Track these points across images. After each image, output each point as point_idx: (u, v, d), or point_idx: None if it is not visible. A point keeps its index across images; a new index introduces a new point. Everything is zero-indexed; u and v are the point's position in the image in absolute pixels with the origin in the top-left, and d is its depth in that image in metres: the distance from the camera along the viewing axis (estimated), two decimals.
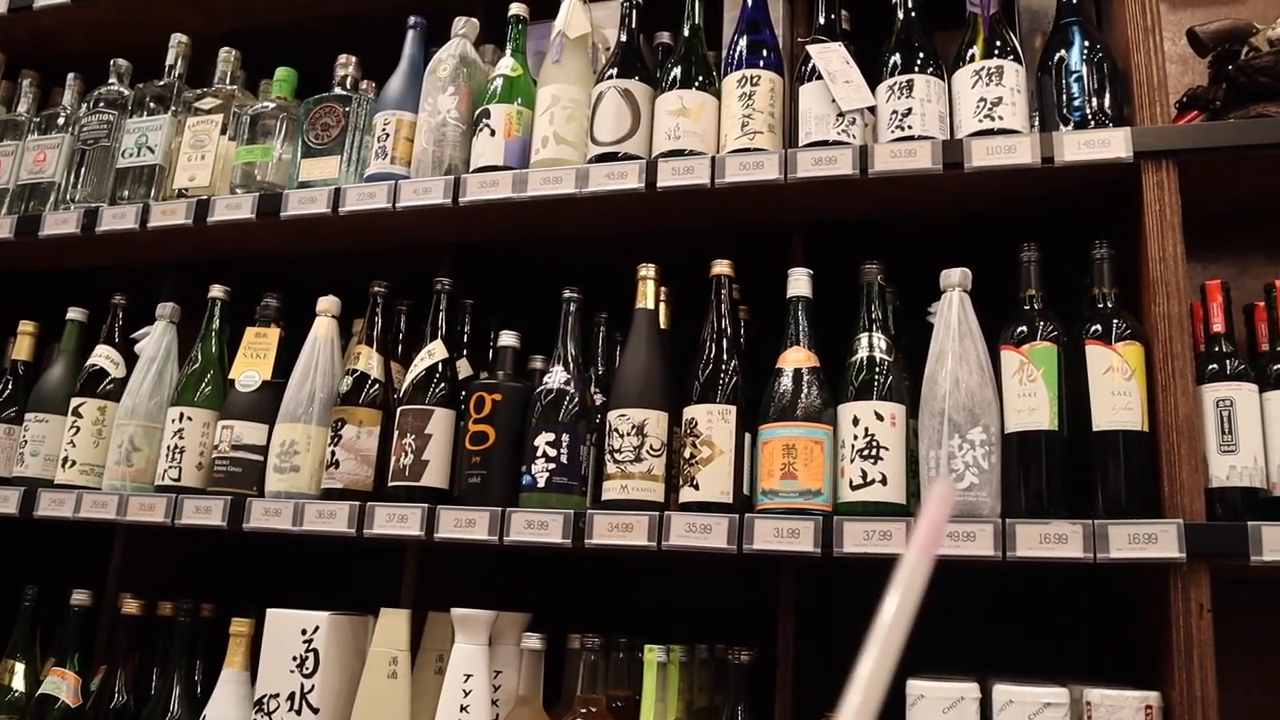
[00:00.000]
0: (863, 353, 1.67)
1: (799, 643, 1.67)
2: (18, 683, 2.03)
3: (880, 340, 1.67)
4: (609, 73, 1.90)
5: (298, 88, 2.23)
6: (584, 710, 1.62)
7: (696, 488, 1.62)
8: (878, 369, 1.64)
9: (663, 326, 1.84)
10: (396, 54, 2.14)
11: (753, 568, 1.77)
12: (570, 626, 1.77)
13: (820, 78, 1.77)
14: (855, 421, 1.61)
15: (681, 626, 1.84)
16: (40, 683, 1.98)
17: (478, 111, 1.95)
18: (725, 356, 1.71)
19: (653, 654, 1.61)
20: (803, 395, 1.64)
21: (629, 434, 1.66)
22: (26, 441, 2.15)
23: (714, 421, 1.65)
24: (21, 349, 2.32)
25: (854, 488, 1.58)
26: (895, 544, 1.51)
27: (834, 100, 1.75)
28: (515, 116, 1.92)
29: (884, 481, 1.57)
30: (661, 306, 1.83)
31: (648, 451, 1.66)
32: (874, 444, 1.59)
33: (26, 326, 2.34)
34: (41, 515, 2.05)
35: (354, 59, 2.15)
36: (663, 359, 1.74)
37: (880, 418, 1.60)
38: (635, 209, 1.86)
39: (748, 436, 1.67)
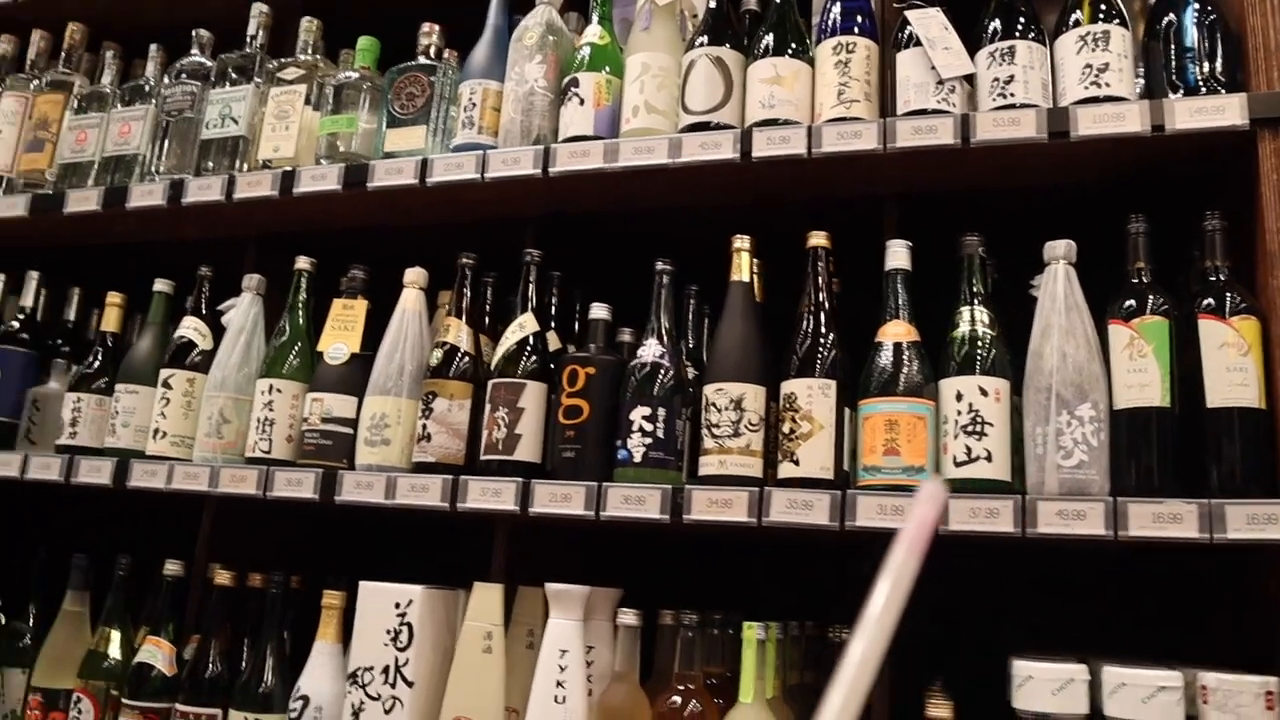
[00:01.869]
0: (965, 327, 1.63)
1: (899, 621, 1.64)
2: (114, 650, 2.06)
3: (983, 314, 1.63)
4: (699, 40, 1.87)
5: (377, 61, 2.21)
6: (681, 687, 1.61)
7: (797, 463, 1.60)
8: (980, 343, 1.60)
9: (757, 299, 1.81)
10: (471, 24, 2.12)
11: (846, 545, 1.74)
12: (659, 602, 1.77)
13: (919, 44, 1.73)
14: (959, 397, 1.57)
15: (771, 603, 1.82)
16: (136, 651, 2.01)
17: (565, 80, 1.92)
18: (824, 330, 1.68)
19: (751, 631, 1.59)
20: (904, 370, 1.61)
21: (727, 408, 1.64)
22: (117, 413, 2.17)
23: (814, 396, 1.62)
24: (109, 320, 2.35)
25: (958, 464, 1.55)
26: (1002, 522, 1.48)
27: (933, 67, 1.71)
28: (604, 85, 1.89)
29: (989, 458, 1.54)
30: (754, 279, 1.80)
31: (746, 426, 1.64)
32: (978, 420, 1.55)
33: (114, 298, 2.36)
34: (134, 486, 2.07)
35: (437, 27, 2.13)
36: (760, 332, 1.71)
37: (984, 393, 1.56)
38: (727, 180, 1.83)
39: (847, 411, 1.64)
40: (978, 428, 1.55)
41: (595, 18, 1.98)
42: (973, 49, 1.73)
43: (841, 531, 1.54)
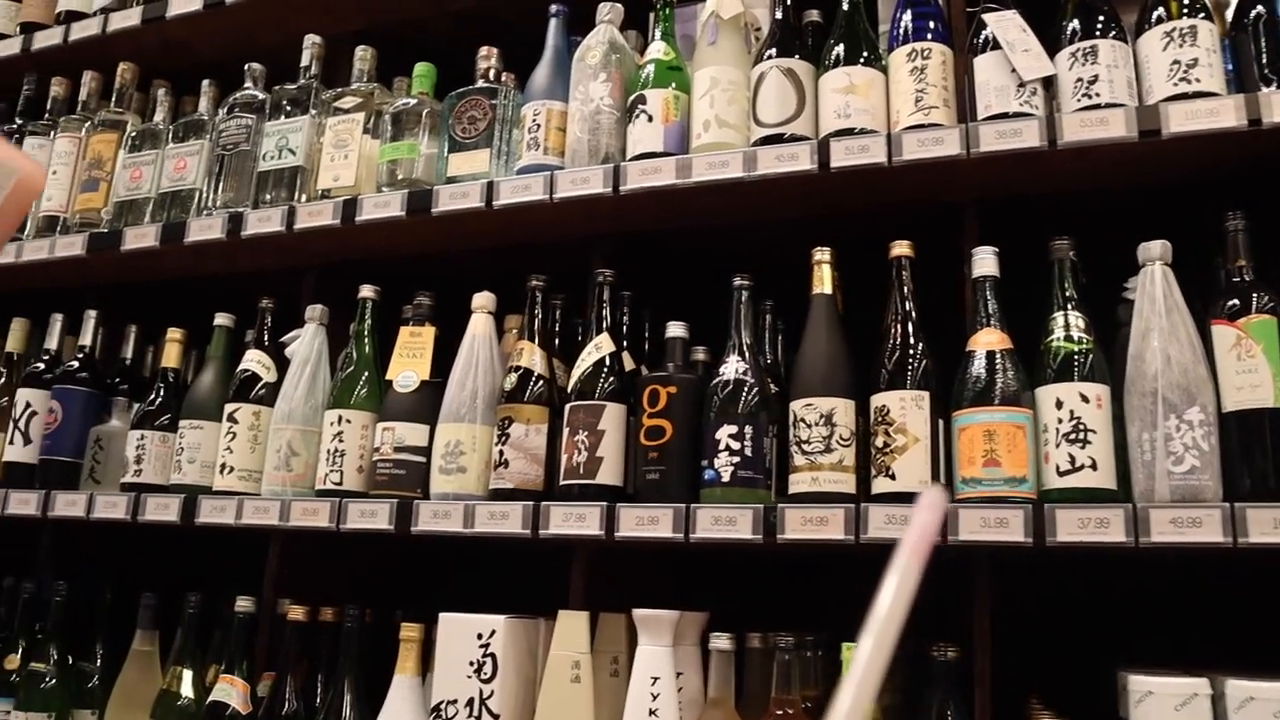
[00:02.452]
0: (1059, 332, 1.58)
1: (995, 636, 1.59)
2: (186, 690, 2.03)
3: (1077, 319, 1.59)
4: (767, 53, 1.84)
5: (434, 87, 2.20)
6: (780, 712, 1.56)
7: (893, 478, 1.56)
8: (1078, 349, 1.56)
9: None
10: (522, 48, 2.10)
11: (944, 560, 1.69)
12: (746, 625, 1.72)
13: (997, 47, 1.69)
14: (1058, 405, 1.53)
15: (864, 622, 1.76)
16: (209, 690, 1.98)
17: (632, 98, 1.90)
18: (913, 340, 1.64)
19: (851, 652, 1.54)
20: (999, 378, 1.56)
21: (817, 424, 1.60)
22: (182, 449, 2.15)
23: (907, 408, 1.58)
24: (170, 356, 2.33)
25: (1061, 473, 1.50)
26: (1113, 532, 1.43)
27: (1013, 70, 1.67)
28: (673, 101, 1.86)
29: (1094, 466, 1.49)
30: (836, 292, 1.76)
31: (838, 441, 1.60)
32: (1080, 427, 1.50)
33: (174, 334, 2.34)
34: (203, 522, 2.05)
35: (496, 50, 2.11)
36: (845, 346, 1.67)
37: (1085, 399, 1.52)
38: (802, 192, 1.80)
39: (940, 423, 1.60)
40: (1080, 435, 1.50)
41: (658, 34, 1.96)
42: (1051, 50, 1.70)
43: (944, 545, 1.49)
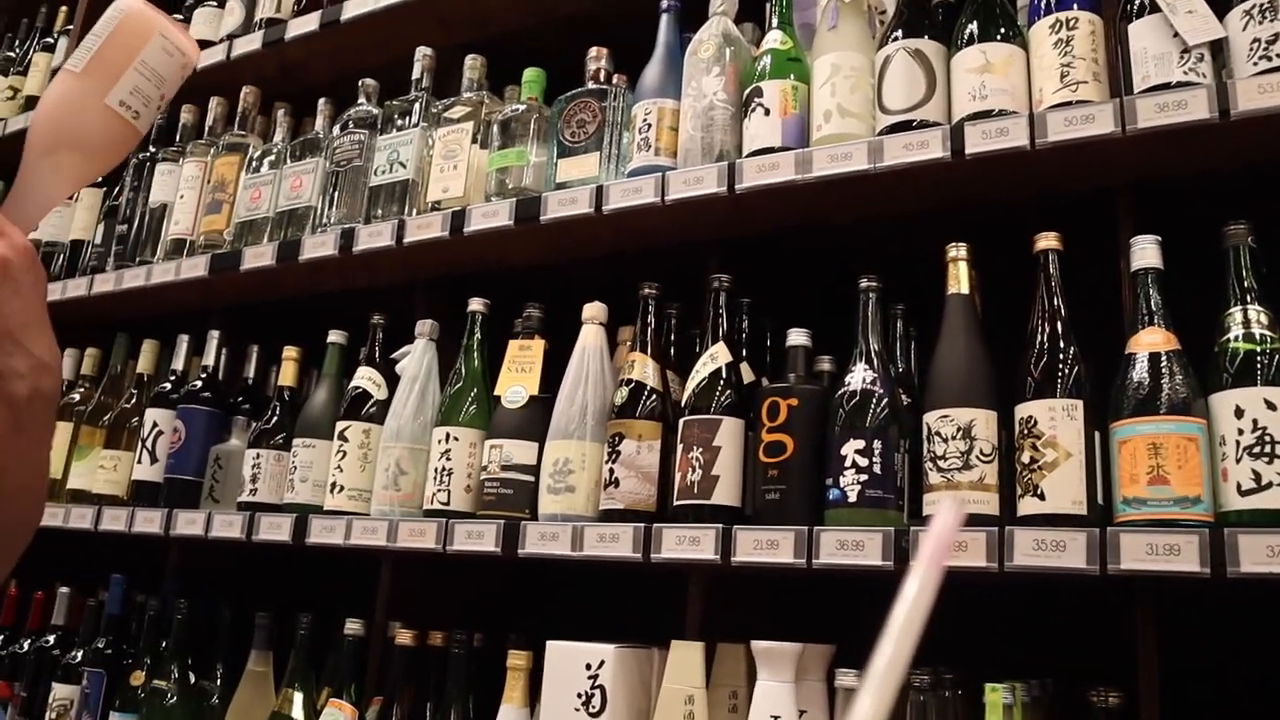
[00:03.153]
0: (1237, 330, 1.38)
1: (1164, 680, 1.39)
2: (297, 712, 1.99)
3: (1259, 314, 1.38)
4: (893, 34, 1.69)
5: (544, 92, 2.13)
6: None
7: (1042, 497, 1.38)
8: (1262, 348, 1.35)
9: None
10: (637, 48, 2.00)
11: (1102, 590, 1.50)
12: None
13: (1155, 10, 1.50)
14: (1238, 413, 1.32)
15: (1011, 659, 1.58)
16: (319, 713, 1.93)
17: (747, 91, 1.78)
18: (1063, 343, 1.46)
19: (996, 694, 1.37)
20: (1166, 384, 1.37)
21: (954, 438, 1.44)
22: (295, 468, 2.12)
23: (1058, 419, 1.40)
24: (286, 375, 2.32)
25: (1243, 493, 1.30)
26: None
27: (1176, 35, 1.48)
28: (791, 92, 1.73)
29: None
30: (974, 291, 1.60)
31: (978, 457, 1.43)
32: (1267, 439, 1.30)
33: (290, 352, 2.33)
34: (313, 543, 2.01)
35: (605, 51, 2.02)
36: (986, 350, 1.50)
37: (1272, 407, 1.31)
38: (934, 182, 1.64)
39: (1096, 435, 1.41)
40: (1267, 448, 1.29)
41: (775, 22, 1.83)
42: (1219, 10, 1.50)
43: (1102, 575, 1.31)
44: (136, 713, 2.20)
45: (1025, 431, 1.42)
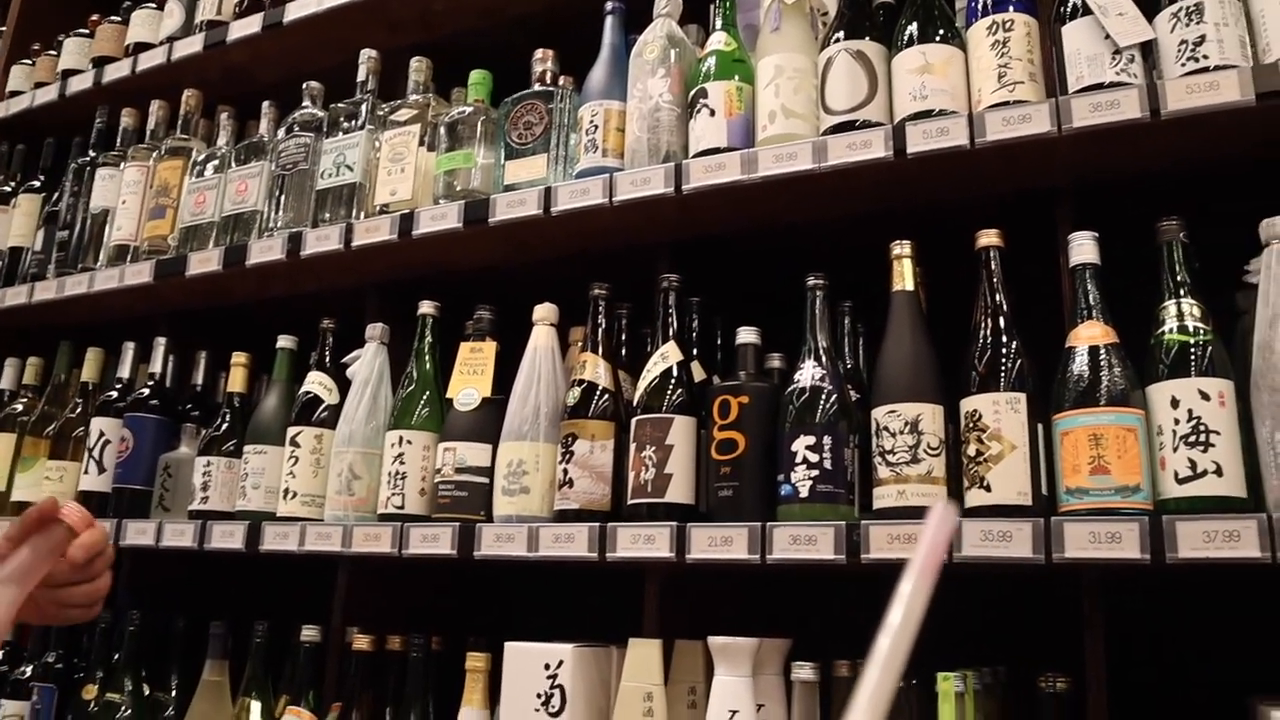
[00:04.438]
0: (1172, 323, 1.43)
1: (1110, 665, 1.43)
2: None
3: (1192, 307, 1.43)
4: (835, 36, 1.72)
5: (490, 94, 2.13)
6: None
7: (988, 489, 1.41)
8: (1194, 341, 1.40)
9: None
10: (583, 50, 2.01)
11: (1046, 578, 1.54)
12: (832, 652, 1.58)
13: (1088, 13, 1.54)
14: (1174, 403, 1.37)
15: (962, 648, 1.62)
16: None
17: (692, 93, 1.79)
18: (1006, 338, 1.49)
19: (948, 683, 1.40)
20: (1104, 376, 1.41)
21: (902, 432, 1.47)
22: (247, 475, 2.10)
23: (1002, 412, 1.43)
24: (236, 381, 2.30)
25: (1181, 481, 1.34)
26: (1245, 546, 1.26)
27: (1108, 36, 1.52)
28: (735, 93, 1.75)
29: (1219, 472, 1.32)
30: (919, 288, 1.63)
31: (925, 451, 1.46)
32: (1201, 428, 1.34)
33: (239, 358, 2.31)
34: (267, 550, 1.99)
35: (551, 52, 2.03)
36: (931, 346, 1.54)
37: (1206, 397, 1.35)
38: (878, 182, 1.67)
39: (1040, 428, 1.45)
40: (1202, 437, 1.34)
41: (719, 24, 1.85)
42: (1148, 13, 1.54)
43: (1048, 564, 1.34)
44: None
45: (970, 425, 1.45)
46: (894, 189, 1.70)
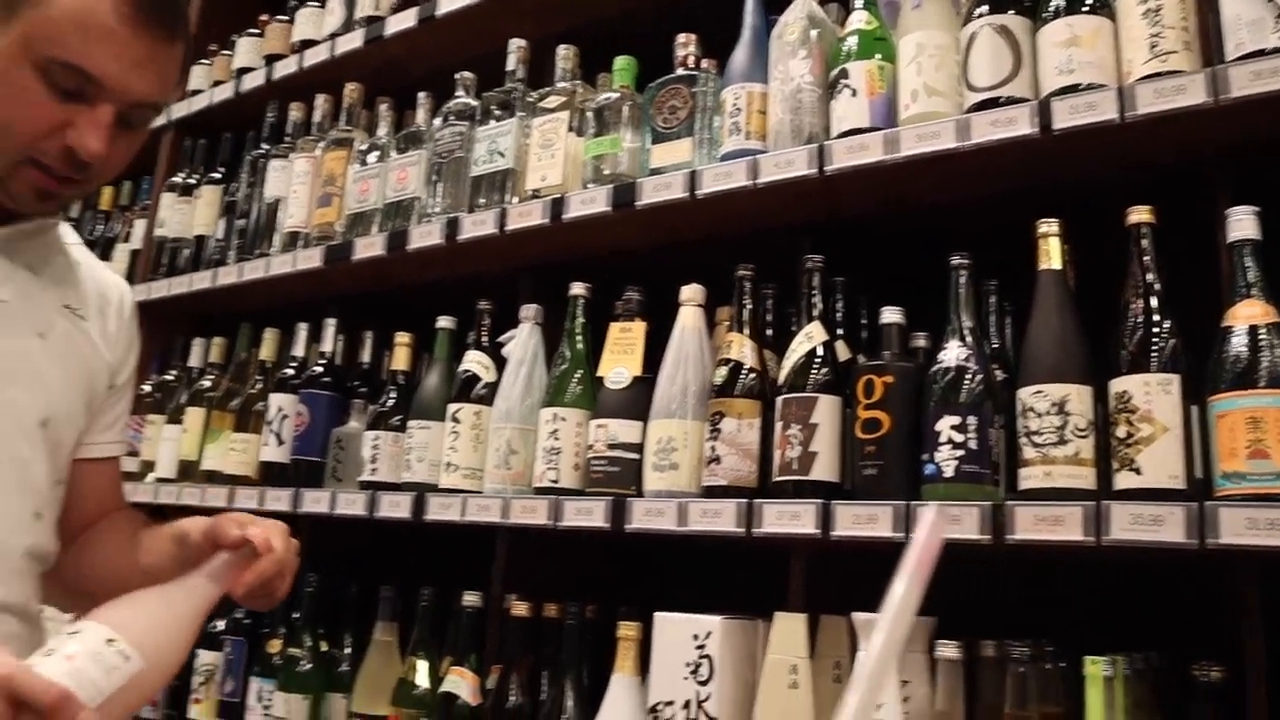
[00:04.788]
0: None
1: (1270, 653, 1.40)
2: (422, 679, 2.11)
3: None
4: (977, 11, 1.70)
5: (635, 79, 2.18)
6: None
7: (1138, 472, 1.40)
8: None
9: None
10: (724, 33, 2.04)
11: (1200, 565, 1.51)
12: (977, 632, 1.59)
13: None
14: None
15: (1110, 633, 1.60)
16: (441, 680, 2.05)
17: (833, 73, 1.80)
18: (1158, 317, 1.47)
19: (1096, 667, 1.40)
20: (1264, 357, 1.37)
21: (1048, 413, 1.46)
22: (411, 448, 2.24)
23: (1153, 394, 1.41)
24: (399, 359, 2.43)
25: None
26: None
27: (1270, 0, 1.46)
28: (876, 73, 1.76)
29: None
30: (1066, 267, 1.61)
31: (1072, 432, 1.45)
32: None
33: (402, 338, 2.44)
34: (431, 519, 2.12)
35: (694, 37, 2.06)
36: (1079, 326, 1.52)
37: None
38: (1023, 159, 1.65)
39: (1194, 410, 1.42)
40: None
41: (859, 2, 1.84)
42: None
43: (1201, 550, 1.33)
44: (274, 678, 2.35)
45: (1120, 406, 1.44)
46: (1039, 166, 1.67)
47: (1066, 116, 1.54)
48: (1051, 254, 1.58)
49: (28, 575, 1.39)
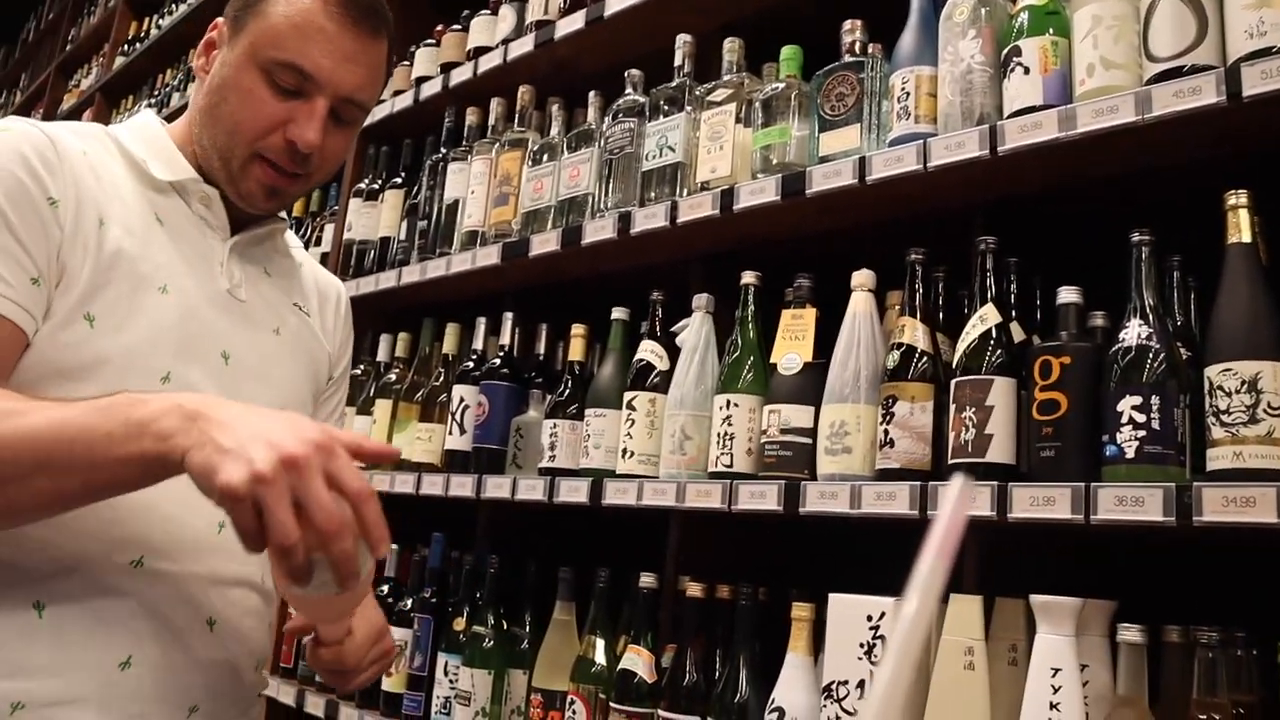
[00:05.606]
0: None
1: None
2: (599, 656, 2.19)
3: None
4: None
5: (801, 68, 2.20)
6: (1204, 716, 1.40)
7: None
8: None
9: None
10: (889, 17, 2.04)
11: None
12: (1159, 617, 1.55)
13: None
14: None
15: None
16: (618, 658, 2.13)
17: (1005, 51, 1.78)
18: None
19: None
20: None
21: (1238, 391, 1.42)
22: (589, 435, 2.32)
23: None
24: (575, 350, 2.53)
25: None
26: None
27: None
28: (1050, 48, 1.73)
29: None
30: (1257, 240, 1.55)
31: (1264, 410, 1.40)
32: None
33: (578, 329, 2.54)
34: (609, 503, 2.20)
35: (860, 23, 2.07)
36: (1271, 301, 1.46)
37: None
38: (1209, 130, 1.59)
39: None
40: None
41: None
42: None
43: None
44: (460, 654, 2.48)
45: None
46: (1226, 136, 1.62)
47: (1257, 82, 1.48)
48: (1241, 226, 1.52)
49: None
